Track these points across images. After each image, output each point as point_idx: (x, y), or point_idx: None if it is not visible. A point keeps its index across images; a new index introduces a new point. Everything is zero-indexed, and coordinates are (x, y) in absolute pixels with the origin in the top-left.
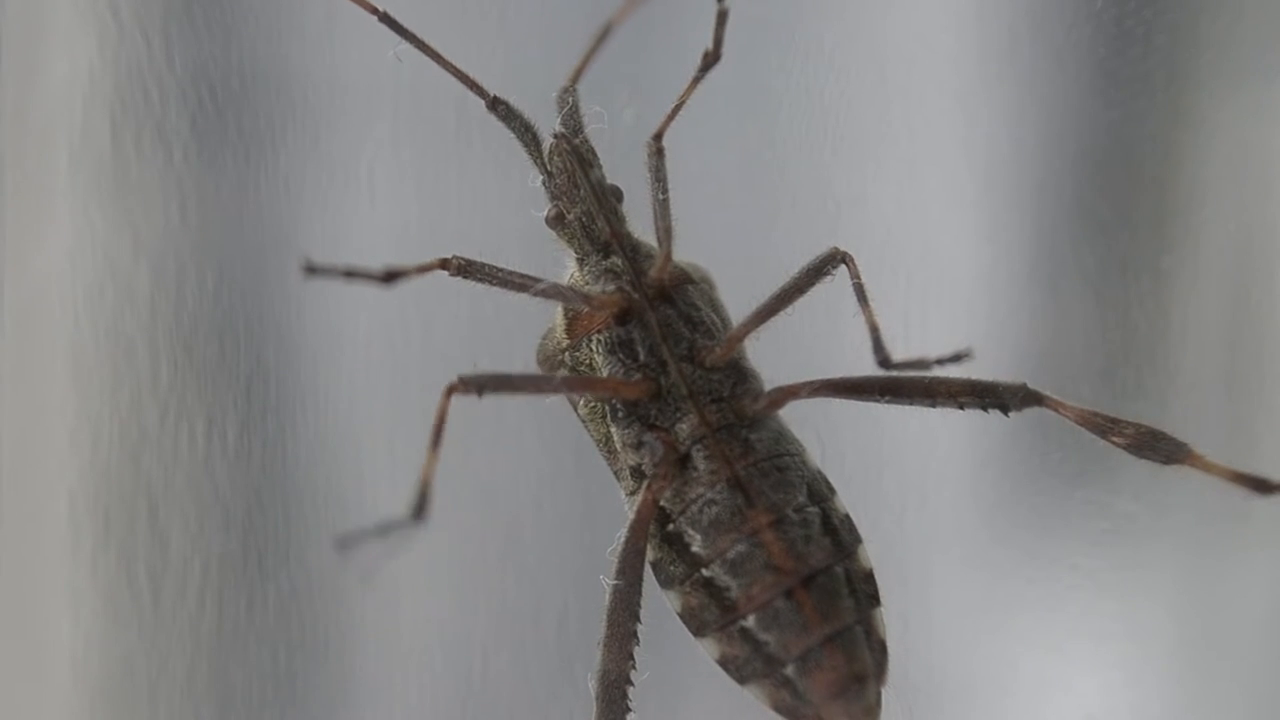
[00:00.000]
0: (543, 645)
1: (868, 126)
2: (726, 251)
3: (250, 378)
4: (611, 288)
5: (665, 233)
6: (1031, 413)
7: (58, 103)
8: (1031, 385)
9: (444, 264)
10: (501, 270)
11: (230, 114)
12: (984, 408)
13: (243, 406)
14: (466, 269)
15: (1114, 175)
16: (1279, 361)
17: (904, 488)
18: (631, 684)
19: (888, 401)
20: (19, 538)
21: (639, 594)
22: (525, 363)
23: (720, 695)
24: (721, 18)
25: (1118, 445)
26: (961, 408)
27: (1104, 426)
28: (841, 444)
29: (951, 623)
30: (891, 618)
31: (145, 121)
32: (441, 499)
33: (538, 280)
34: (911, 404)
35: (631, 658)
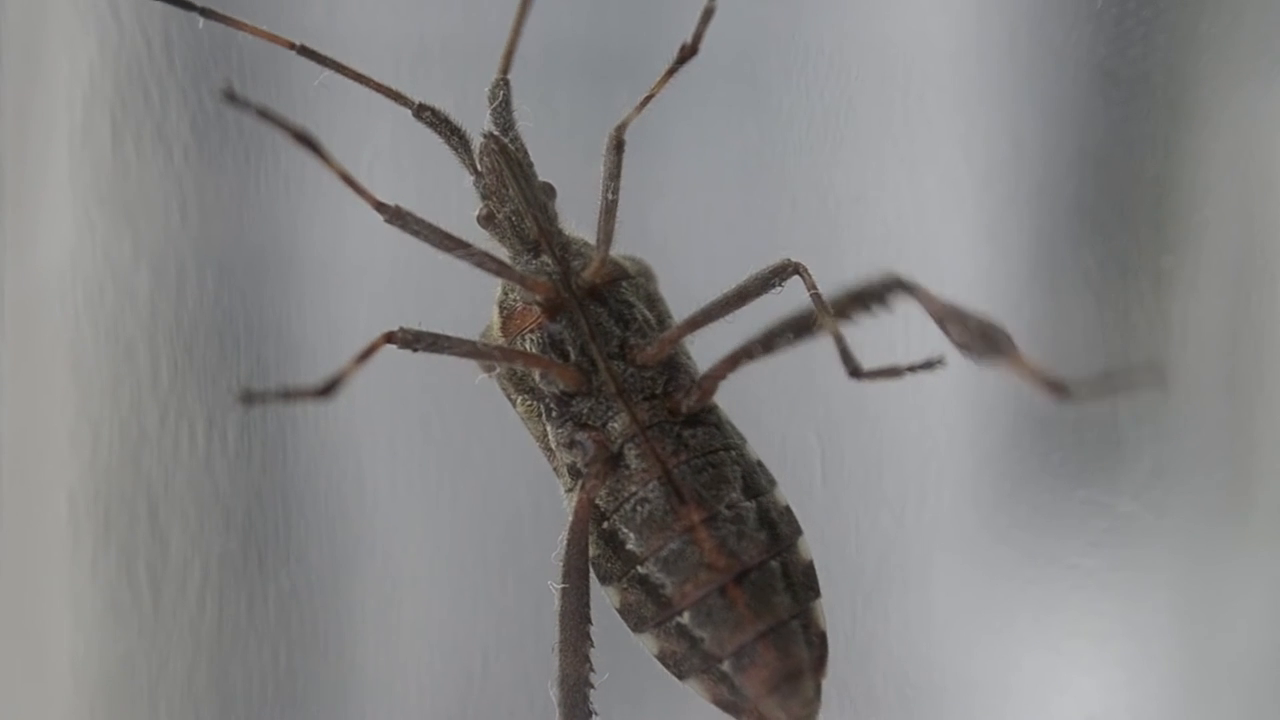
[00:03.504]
0: (543, 645)
1: (868, 126)
2: (726, 251)
3: (250, 378)
4: (545, 281)
5: (606, 236)
6: (1033, 412)
7: (58, 103)
8: (901, 276)
9: (382, 209)
10: (437, 229)
11: (230, 114)
12: (869, 310)
13: (240, 408)
14: (402, 220)
15: (1114, 175)
16: (1279, 362)
17: (904, 488)
18: (592, 686)
19: (801, 341)
20: (19, 538)
21: (587, 594)
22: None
23: None
24: (706, 15)
25: (952, 342)
26: (853, 319)
27: (948, 317)
28: (841, 444)
29: (951, 622)
30: (891, 617)
31: (145, 121)
32: (442, 499)
33: (468, 245)
34: (816, 337)
35: (588, 660)
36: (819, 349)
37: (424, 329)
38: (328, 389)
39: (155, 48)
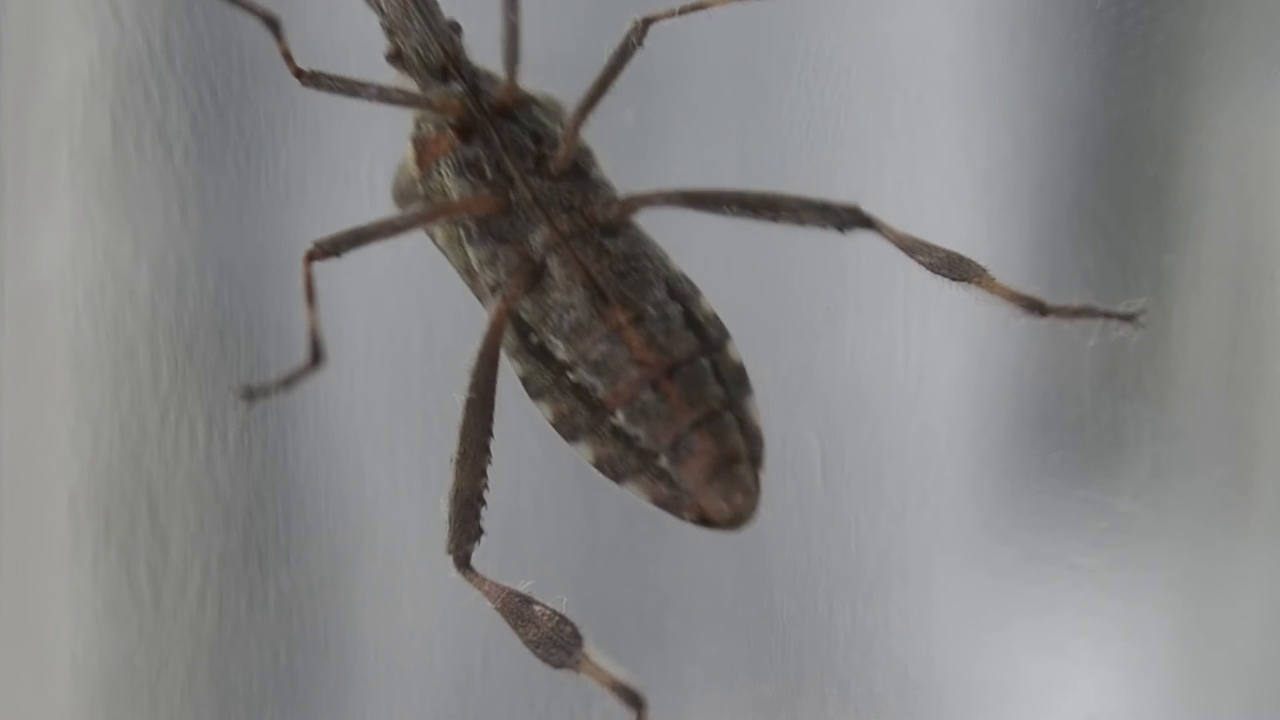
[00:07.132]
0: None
1: (868, 126)
2: (726, 251)
3: (250, 377)
4: (454, 102)
5: (512, 57)
6: (1033, 412)
7: (58, 102)
8: (863, 209)
9: (300, 75)
10: (348, 79)
11: (230, 114)
12: (822, 225)
13: (243, 406)
14: (316, 81)
15: (1114, 175)
16: (1279, 362)
17: (904, 487)
18: (484, 503)
19: (735, 214)
20: (19, 538)
21: (492, 406)
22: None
23: (721, 695)
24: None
25: (922, 264)
26: (803, 224)
27: (914, 247)
28: (841, 442)
29: (952, 622)
30: (892, 617)
31: (145, 121)
32: (442, 499)
33: (368, 85)
34: (758, 218)
35: (484, 474)
36: (819, 349)
37: (339, 233)
38: (315, 356)
39: (155, 47)
